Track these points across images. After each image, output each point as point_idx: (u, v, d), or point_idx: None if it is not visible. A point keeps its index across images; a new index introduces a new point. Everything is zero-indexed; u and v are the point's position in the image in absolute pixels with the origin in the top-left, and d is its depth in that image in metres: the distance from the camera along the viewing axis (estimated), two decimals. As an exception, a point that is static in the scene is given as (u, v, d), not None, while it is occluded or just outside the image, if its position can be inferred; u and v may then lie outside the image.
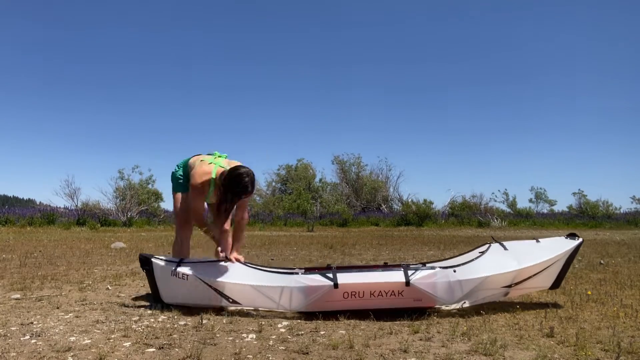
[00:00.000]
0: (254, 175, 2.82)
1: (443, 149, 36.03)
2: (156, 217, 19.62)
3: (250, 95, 41.34)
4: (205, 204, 3.11)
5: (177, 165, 3.30)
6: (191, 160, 3.18)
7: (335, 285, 2.62)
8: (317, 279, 2.67)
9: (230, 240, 3.09)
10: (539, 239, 3.08)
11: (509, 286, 2.85)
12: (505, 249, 2.98)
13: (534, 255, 2.90)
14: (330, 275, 2.67)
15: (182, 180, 3.21)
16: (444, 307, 2.80)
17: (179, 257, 3.08)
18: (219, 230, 3.03)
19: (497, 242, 3.10)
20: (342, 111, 40.70)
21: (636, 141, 33.31)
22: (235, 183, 2.76)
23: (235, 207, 3.00)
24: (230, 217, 3.08)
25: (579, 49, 37.75)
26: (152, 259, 2.84)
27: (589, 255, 6.44)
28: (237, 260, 2.93)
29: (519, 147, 35.66)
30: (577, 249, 2.97)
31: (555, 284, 2.98)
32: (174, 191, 3.28)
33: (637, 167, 32.43)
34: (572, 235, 3.04)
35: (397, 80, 41.76)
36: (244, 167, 2.84)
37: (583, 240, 3.07)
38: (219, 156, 3.11)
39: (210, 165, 2.95)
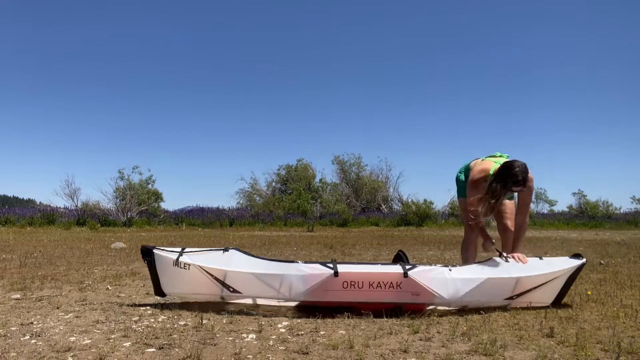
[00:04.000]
0: (526, 168, 2.85)
1: (443, 149, 36.08)
2: (156, 217, 19.62)
3: (250, 95, 41.36)
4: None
5: (459, 171, 3.43)
6: (472, 164, 3.34)
7: (336, 274, 2.66)
8: (317, 267, 2.73)
9: (510, 240, 3.17)
10: (542, 257, 3.11)
11: (511, 297, 2.88)
12: (506, 260, 2.99)
13: (536, 267, 2.93)
14: (331, 265, 2.73)
15: (464, 185, 3.32)
16: (445, 308, 2.82)
17: (467, 257, 3.37)
18: (480, 227, 3.13)
19: (499, 251, 3.11)
20: (343, 111, 40.74)
21: (636, 141, 33.37)
22: (506, 173, 2.83)
23: (514, 207, 3.06)
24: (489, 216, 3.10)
25: (578, 48, 37.77)
26: (154, 250, 2.88)
27: (589, 255, 6.43)
28: (519, 258, 2.94)
29: (519, 147, 35.67)
30: (580, 268, 3.00)
31: (557, 300, 2.99)
32: (459, 196, 3.42)
33: (637, 167, 32.45)
34: (576, 256, 3.08)
35: (397, 81, 41.79)
36: (518, 161, 2.90)
37: (587, 260, 3.11)
38: (500, 156, 3.16)
39: (491, 163, 3.03)
